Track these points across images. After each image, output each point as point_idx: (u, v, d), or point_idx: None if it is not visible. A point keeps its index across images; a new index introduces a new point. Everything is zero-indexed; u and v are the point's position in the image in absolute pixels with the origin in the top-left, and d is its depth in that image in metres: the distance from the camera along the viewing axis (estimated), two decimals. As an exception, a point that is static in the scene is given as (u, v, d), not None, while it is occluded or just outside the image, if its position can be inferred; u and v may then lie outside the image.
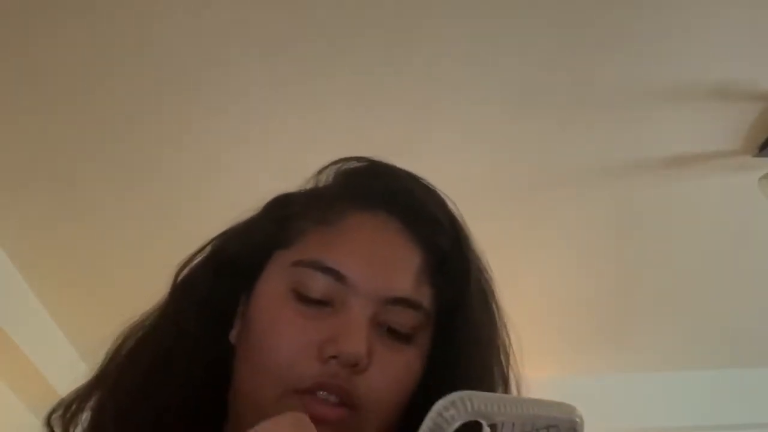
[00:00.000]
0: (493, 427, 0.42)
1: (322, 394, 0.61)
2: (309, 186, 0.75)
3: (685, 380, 3.70)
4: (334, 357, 0.62)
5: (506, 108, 2.30)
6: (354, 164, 0.74)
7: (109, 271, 2.91)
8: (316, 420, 0.58)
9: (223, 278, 0.70)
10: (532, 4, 1.98)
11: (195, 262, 0.73)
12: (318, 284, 0.65)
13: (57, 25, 2.00)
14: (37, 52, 2.07)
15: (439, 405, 0.41)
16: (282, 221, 0.70)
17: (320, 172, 0.75)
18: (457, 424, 0.41)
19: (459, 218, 0.73)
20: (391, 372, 0.64)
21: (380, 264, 0.66)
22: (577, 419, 0.45)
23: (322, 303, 0.65)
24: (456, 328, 0.68)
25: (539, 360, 3.37)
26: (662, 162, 2.50)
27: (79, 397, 0.69)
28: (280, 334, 0.64)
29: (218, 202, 2.33)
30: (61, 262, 2.89)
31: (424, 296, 0.67)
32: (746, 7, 1.99)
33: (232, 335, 0.69)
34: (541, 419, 0.44)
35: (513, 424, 0.43)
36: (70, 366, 3.20)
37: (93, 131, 2.33)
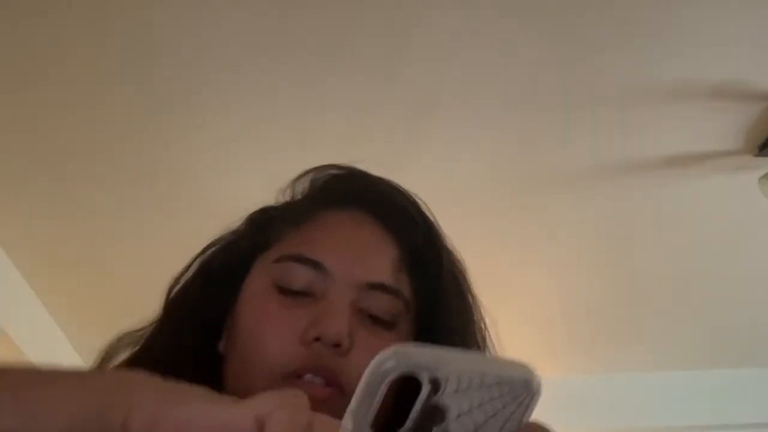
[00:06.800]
0: (436, 383, 0.39)
1: (308, 377, 0.63)
2: (286, 193, 0.78)
3: (686, 380, 3.70)
4: (317, 339, 0.63)
5: (506, 108, 2.30)
6: (330, 171, 0.78)
7: (109, 271, 2.91)
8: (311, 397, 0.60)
9: (213, 290, 0.72)
10: (532, 4, 1.97)
11: (185, 277, 0.75)
12: (299, 276, 0.67)
13: (58, 25, 2.00)
14: (38, 52, 2.07)
15: (376, 359, 0.39)
16: (263, 228, 0.74)
17: (296, 180, 0.78)
18: (393, 376, 0.39)
19: (431, 216, 0.76)
20: (374, 355, 0.65)
21: (357, 252, 0.69)
22: (535, 379, 0.42)
23: (304, 294, 0.67)
24: (433, 318, 0.71)
25: (539, 360, 3.37)
26: (662, 162, 2.50)
27: None
28: (264, 326, 0.66)
29: (218, 204, 2.33)
30: (61, 262, 2.89)
31: (402, 283, 0.69)
32: (747, 7, 1.98)
33: (221, 346, 0.71)
34: (490, 376, 0.41)
35: (458, 380, 0.40)
36: (70, 365, 3.20)
37: (94, 131, 2.33)
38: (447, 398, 0.40)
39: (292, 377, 0.63)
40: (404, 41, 2.08)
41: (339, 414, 0.41)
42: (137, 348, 0.73)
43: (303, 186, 0.78)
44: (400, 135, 2.35)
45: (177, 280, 0.75)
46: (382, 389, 0.39)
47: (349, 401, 0.42)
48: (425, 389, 0.39)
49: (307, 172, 0.78)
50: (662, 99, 2.26)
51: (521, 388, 0.41)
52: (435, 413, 0.40)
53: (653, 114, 2.32)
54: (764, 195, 2.49)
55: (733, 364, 3.64)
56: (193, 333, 0.71)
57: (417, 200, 0.76)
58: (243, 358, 0.66)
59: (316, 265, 0.67)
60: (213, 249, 0.76)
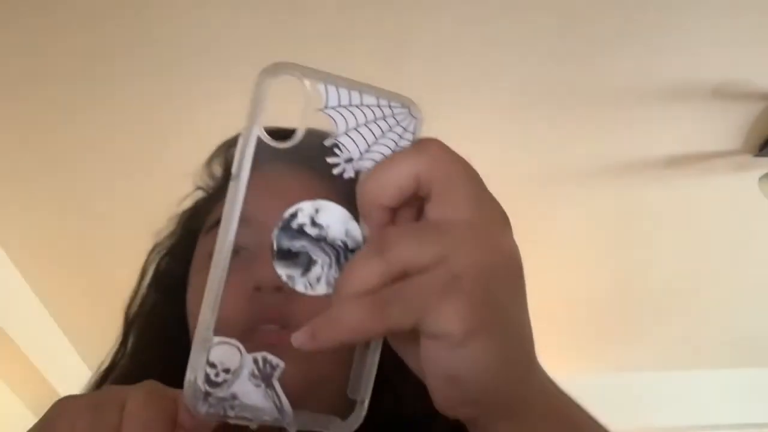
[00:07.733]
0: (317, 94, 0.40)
1: (265, 327, 0.61)
2: (203, 174, 0.81)
3: (686, 380, 3.70)
4: (257, 289, 0.62)
5: (506, 108, 2.30)
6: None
7: (109, 271, 2.91)
8: (271, 346, 0.59)
9: (170, 295, 0.71)
10: (533, 4, 1.98)
11: (139, 293, 0.75)
12: None
13: (60, 26, 2.00)
14: (38, 53, 2.07)
15: (259, 72, 0.40)
16: (193, 216, 0.75)
17: (210, 160, 0.79)
18: (274, 80, 0.40)
19: None
20: None
21: (273, 193, 0.67)
22: (414, 105, 0.43)
23: (236, 252, 0.66)
24: None
25: (539, 359, 3.37)
26: (662, 162, 2.50)
27: None
28: None
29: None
30: (61, 262, 2.89)
31: None
32: (747, 7, 1.99)
33: None
34: (368, 96, 0.42)
35: (338, 94, 0.41)
36: (69, 365, 3.21)
37: (96, 132, 2.33)
38: (330, 111, 0.41)
39: (248, 333, 0.60)
40: (404, 41, 2.08)
41: (303, 354, 0.41)
42: (104, 378, 0.71)
43: (219, 163, 0.78)
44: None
45: (132, 300, 0.74)
46: (265, 94, 0.40)
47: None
48: (307, 96, 0.40)
49: (219, 149, 0.79)
50: (662, 99, 2.27)
51: (403, 113, 0.44)
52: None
53: (653, 114, 2.32)
54: (764, 195, 2.49)
55: (734, 364, 3.64)
56: (163, 346, 0.69)
57: None
58: None
59: (239, 219, 0.67)
60: (159, 257, 0.76)
